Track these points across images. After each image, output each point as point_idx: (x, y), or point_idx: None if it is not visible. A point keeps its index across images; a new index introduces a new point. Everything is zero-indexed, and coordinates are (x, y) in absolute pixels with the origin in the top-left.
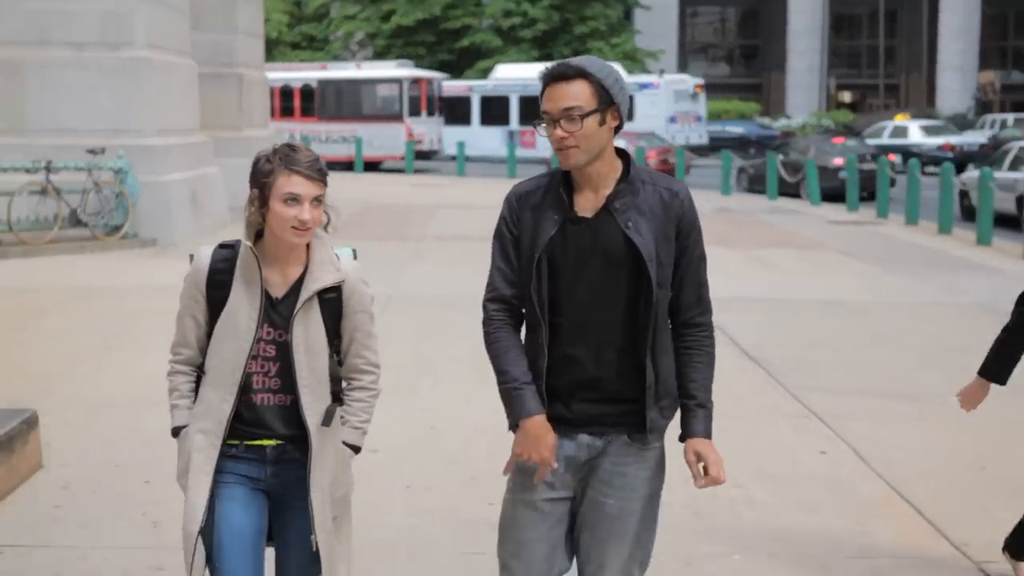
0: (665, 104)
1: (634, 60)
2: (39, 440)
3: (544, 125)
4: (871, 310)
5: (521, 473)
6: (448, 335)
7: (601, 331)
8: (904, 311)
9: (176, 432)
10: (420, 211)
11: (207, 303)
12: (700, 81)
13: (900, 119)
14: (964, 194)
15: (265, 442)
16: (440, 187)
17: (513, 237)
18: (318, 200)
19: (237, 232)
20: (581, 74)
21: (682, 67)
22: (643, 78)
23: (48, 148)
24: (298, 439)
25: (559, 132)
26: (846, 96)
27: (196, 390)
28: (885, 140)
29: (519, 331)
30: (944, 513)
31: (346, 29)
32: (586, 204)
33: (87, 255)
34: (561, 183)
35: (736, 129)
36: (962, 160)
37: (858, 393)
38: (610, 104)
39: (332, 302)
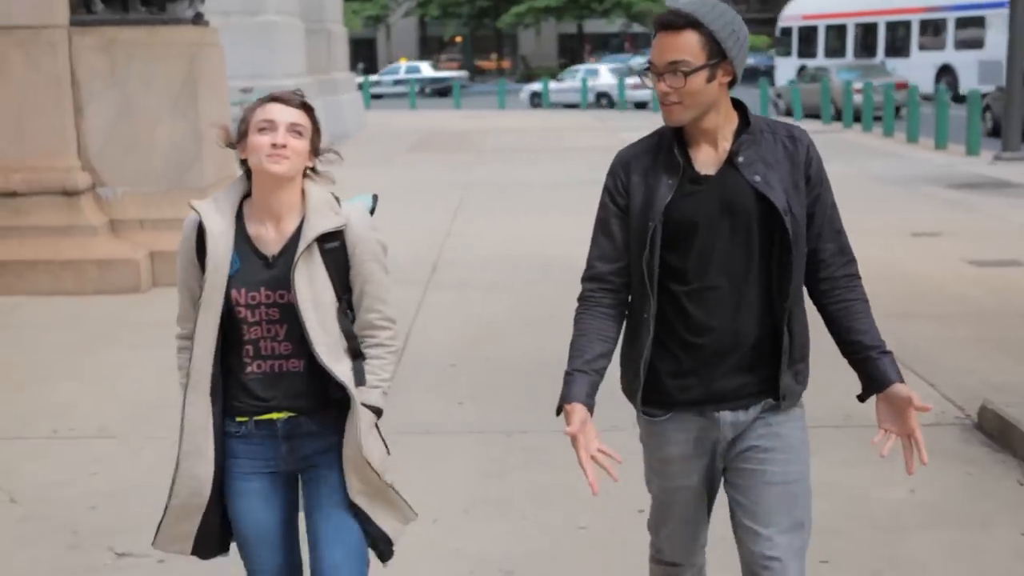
0: None
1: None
2: None
3: (651, 75)
4: None
5: (657, 461)
6: None
7: (736, 297)
8: None
9: None
10: None
11: (201, 270)
12: None
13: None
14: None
15: (275, 415)
16: None
17: (619, 208)
18: (298, 129)
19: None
20: (691, 24)
21: None
22: None
23: None
24: (311, 409)
25: (662, 87)
26: None
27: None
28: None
29: (616, 311)
30: None
31: None
32: (707, 160)
33: None
34: (674, 141)
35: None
36: None
37: None
38: (722, 59)
39: (335, 252)
